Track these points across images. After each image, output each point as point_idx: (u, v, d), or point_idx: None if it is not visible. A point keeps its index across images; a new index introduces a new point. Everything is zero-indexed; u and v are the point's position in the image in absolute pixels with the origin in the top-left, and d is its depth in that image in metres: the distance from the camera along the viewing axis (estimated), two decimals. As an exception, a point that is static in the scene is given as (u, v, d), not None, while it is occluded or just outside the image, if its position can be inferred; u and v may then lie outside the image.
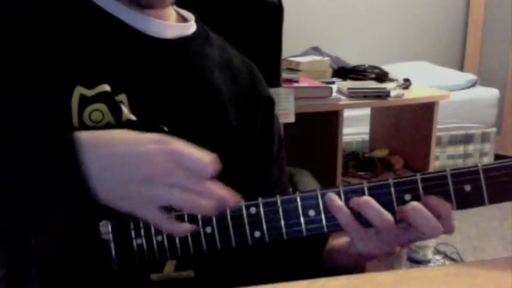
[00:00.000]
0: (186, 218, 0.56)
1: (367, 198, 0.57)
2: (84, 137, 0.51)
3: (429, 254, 2.08)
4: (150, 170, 0.50)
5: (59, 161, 0.50)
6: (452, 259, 2.20)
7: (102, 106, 0.60)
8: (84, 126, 0.59)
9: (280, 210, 0.56)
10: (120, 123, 0.61)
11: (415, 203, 0.56)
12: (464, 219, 2.58)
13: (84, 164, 0.50)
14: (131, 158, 0.51)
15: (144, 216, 0.52)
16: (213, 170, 0.51)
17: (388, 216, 0.56)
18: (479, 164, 0.57)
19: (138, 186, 0.50)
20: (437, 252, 2.20)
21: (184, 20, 0.75)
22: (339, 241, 0.66)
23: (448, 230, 0.58)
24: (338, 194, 0.58)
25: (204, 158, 0.51)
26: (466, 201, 0.57)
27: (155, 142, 0.51)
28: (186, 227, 0.54)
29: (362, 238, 0.58)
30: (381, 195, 0.57)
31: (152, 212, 0.51)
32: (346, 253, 0.64)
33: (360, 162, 2.50)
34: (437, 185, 0.57)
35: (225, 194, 0.52)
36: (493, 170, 0.56)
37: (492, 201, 0.57)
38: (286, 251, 0.72)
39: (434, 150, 2.34)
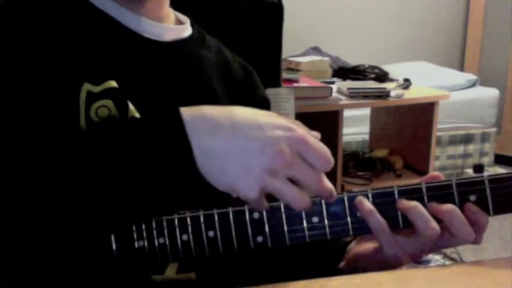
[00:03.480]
0: (188, 221, 0.56)
1: (415, 202, 0.56)
2: (196, 116, 0.50)
3: (429, 254, 2.08)
4: (277, 159, 0.48)
5: (166, 146, 0.49)
6: (452, 259, 2.20)
7: (108, 102, 0.60)
8: (90, 123, 0.59)
9: (284, 215, 0.56)
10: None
11: (452, 206, 0.56)
12: (464, 219, 2.58)
13: (197, 145, 0.48)
14: (256, 143, 0.49)
15: (245, 197, 0.50)
16: (331, 165, 0.50)
17: (435, 224, 0.55)
18: (484, 175, 0.56)
19: (260, 175, 0.48)
20: (438, 252, 2.21)
21: (180, 23, 0.75)
22: (364, 247, 0.65)
23: (478, 239, 0.57)
24: (342, 200, 0.57)
25: (327, 152, 0.50)
26: None
27: (281, 128, 0.50)
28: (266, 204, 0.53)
29: (391, 243, 0.57)
30: (384, 203, 0.57)
31: (257, 196, 0.49)
32: (372, 259, 0.62)
33: (360, 162, 2.50)
34: (442, 195, 0.56)
35: (332, 188, 0.52)
36: (499, 180, 0.56)
37: (497, 211, 0.56)
38: (304, 258, 0.72)
39: (434, 150, 2.34)
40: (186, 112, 0.50)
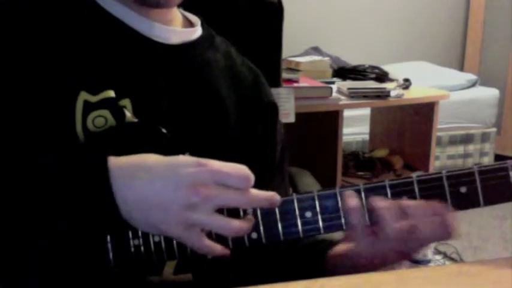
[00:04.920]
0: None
1: (384, 202, 0.56)
2: (117, 166, 0.51)
3: (429, 254, 2.08)
4: (192, 195, 0.50)
5: (92, 194, 0.51)
6: (452, 259, 2.20)
7: (105, 112, 0.60)
8: (87, 132, 0.59)
9: (277, 211, 0.56)
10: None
11: (387, 201, 0.56)
12: (464, 219, 2.58)
13: (118, 195, 0.50)
14: (170, 184, 0.50)
15: (180, 239, 0.52)
16: (252, 180, 0.51)
17: (397, 224, 0.56)
18: (474, 166, 0.57)
19: (179, 212, 0.50)
20: (437, 252, 2.21)
21: (190, 24, 0.75)
22: (342, 247, 0.65)
23: (445, 235, 0.57)
24: (335, 195, 0.57)
25: (243, 171, 0.51)
26: (462, 203, 0.57)
27: (192, 164, 0.51)
28: (219, 249, 0.54)
29: (364, 242, 0.58)
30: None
31: (192, 236, 0.52)
32: (347, 258, 0.63)
33: (360, 162, 2.50)
34: (433, 187, 0.57)
35: (269, 195, 0.53)
36: (488, 171, 0.57)
37: (487, 202, 0.57)
38: (288, 255, 0.72)
39: (434, 150, 2.34)
40: (112, 162, 0.52)
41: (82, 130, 0.59)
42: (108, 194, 0.50)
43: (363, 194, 0.57)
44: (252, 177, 0.51)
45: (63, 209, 0.51)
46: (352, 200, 0.57)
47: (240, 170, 0.51)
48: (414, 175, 0.58)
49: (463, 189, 0.57)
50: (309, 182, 1.32)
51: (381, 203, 0.57)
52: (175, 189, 0.50)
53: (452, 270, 0.59)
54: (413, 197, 0.57)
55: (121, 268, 0.56)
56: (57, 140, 0.58)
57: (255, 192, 0.52)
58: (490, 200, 0.57)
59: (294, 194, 0.57)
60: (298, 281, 0.54)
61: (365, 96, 2.11)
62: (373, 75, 2.49)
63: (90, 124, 0.59)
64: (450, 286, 0.54)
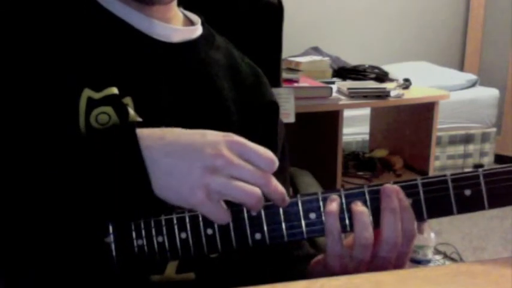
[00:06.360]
0: (187, 219, 0.56)
1: (363, 209, 0.56)
2: (143, 130, 0.52)
3: (429, 254, 2.08)
4: (216, 157, 0.50)
5: (120, 148, 0.51)
6: (452, 259, 2.20)
7: (109, 109, 0.60)
8: (90, 129, 0.59)
9: (281, 212, 0.56)
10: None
11: (363, 209, 0.56)
12: (464, 219, 2.58)
13: (145, 151, 0.51)
14: (196, 145, 0.51)
15: (193, 203, 0.51)
16: (276, 165, 0.51)
17: (369, 233, 0.56)
18: (479, 169, 0.57)
19: (201, 174, 0.50)
20: (437, 252, 2.21)
21: (191, 23, 0.75)
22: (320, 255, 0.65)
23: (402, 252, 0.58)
24: (339, 197, 0.57)
25: (268, 153, 0.52)
26: (466, 206, 0.57)
27: (220, 134, 0.52)
28: (228, 215, 0.53)
29: (337, 247, 0.57)
30: (380, 199, 0.57)
31: (212, 204, 0.51)
32: (321, 264, 0.63)
33: (360, 162, 2.50)
34: (437, 189, 0.57)
35: (284, 191, 0.53)
36: (493, 174, 0.56)
37: (492, 205, 0.57)
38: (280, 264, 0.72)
39: (434, 150, 2.34)
40: (142, 132, 0.52)
41: (85, 127, 0.59)
42: (135, 146, 0.51)
43: (367, 197, 0.57)
44: (276, 162, 0.52)
45: (89, 167, 0.51)
46: (332, 206, 0.56)
47: (265, 150, 0.52)
48: (419, 178, 0.58)
49: (467, 192, 0.56)
50: (309, 182, 1.32)
51: (358, 208, 0.56)
52: (201, 150, 0.51)
53: (452, 270, 0.59)
54: (418, 200, 0.57)
55: (124, 268, 0.56)
56: (60, 138, 0.58)
57: (274, 180, 0.52)
58: (495, 203, 0.56)
59: (299, 195, 0.57)
60: (298, 281, 0.54)
61: (365, 96, 2.11)
62: (373, 75, 2.49)
63: (94, 121, 0.59)
64: (450, 286, 0.54)
